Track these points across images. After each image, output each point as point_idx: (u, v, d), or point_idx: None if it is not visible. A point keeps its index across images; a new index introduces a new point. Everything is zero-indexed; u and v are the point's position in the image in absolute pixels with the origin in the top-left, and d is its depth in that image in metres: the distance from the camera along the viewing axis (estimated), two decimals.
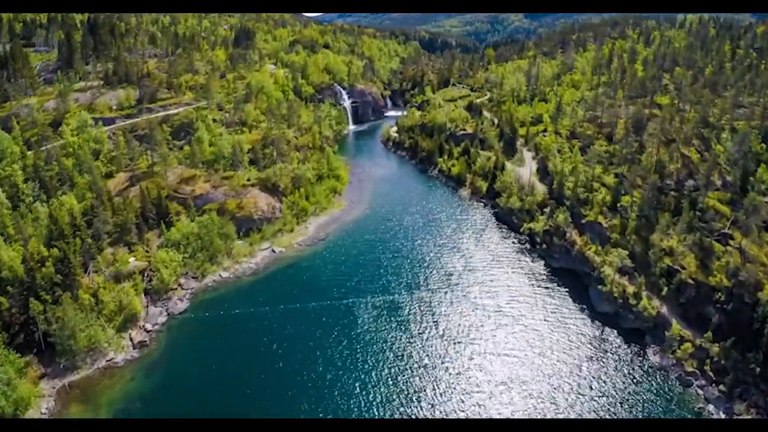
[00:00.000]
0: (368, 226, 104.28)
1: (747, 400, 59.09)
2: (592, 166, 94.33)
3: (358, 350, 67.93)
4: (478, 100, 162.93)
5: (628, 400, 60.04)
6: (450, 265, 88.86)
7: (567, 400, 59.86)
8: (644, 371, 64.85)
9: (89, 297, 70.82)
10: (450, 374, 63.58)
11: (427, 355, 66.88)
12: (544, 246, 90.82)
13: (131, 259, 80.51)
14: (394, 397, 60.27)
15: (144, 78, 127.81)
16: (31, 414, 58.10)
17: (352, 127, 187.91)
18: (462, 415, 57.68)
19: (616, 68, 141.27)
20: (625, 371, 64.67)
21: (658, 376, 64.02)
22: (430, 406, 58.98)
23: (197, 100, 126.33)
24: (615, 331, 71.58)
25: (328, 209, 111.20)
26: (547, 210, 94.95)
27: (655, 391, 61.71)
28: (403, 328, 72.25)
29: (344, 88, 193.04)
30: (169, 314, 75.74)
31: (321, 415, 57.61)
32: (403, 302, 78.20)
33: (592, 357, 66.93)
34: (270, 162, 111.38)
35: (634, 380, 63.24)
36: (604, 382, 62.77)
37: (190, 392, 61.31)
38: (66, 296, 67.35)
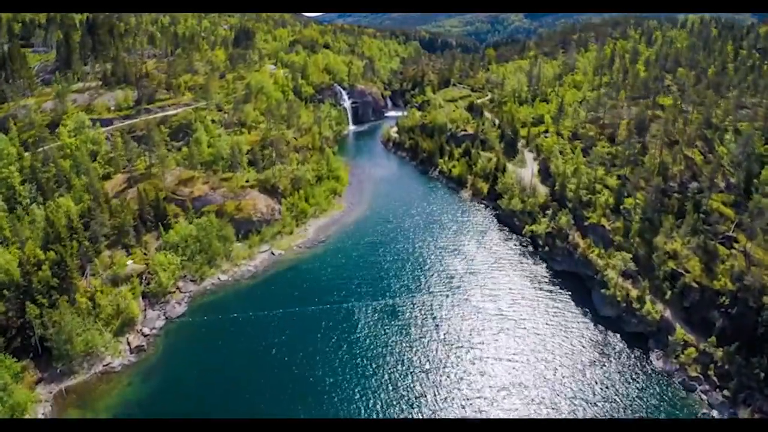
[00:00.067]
0: (368, 228, 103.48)
1: (751, 406, 58.50)
2: (595, 167, 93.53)
3: (358, 355, 67.16)
4: (479, 101, 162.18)
5: (630, 405, 59.35)
6: (451, 268, 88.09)
7: (569, 405, 59.15)
8: (647, 376, 64.13)
9: (86, 301, 70.09)
10: (451, 379, 62.80)
11: (428, 360, 66.10)
12: (546, 248, 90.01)
13: (129, 262, 79.75)
14: (395, 402, 59.52)
15: (142, 78, 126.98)
16: None
17: (352, 127, 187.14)
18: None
19: (617, 69, 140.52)
20: (628, 376, 63.94)
21: (661, 381, 63.33)
22: (430, 412, 58.23)
23: (196, 100, 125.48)
24: (618, 336, 70.82)
25: (327, 211, 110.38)
26: (549, 212, 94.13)
27: (658, 396, 61.04)
28: (404, 332, 71.49)
29: (344, 89, 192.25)
30: (167, 318, 74.96)
31: None
32: (403, 306, 77.43)
33: (594, 361, 66.19)
34: (269, 163, 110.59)
35: (637, 385, 62.48)
36: (607, 387, 62.03)
37: (188, 397, 60.54)
38: (63, 300, 66.61)
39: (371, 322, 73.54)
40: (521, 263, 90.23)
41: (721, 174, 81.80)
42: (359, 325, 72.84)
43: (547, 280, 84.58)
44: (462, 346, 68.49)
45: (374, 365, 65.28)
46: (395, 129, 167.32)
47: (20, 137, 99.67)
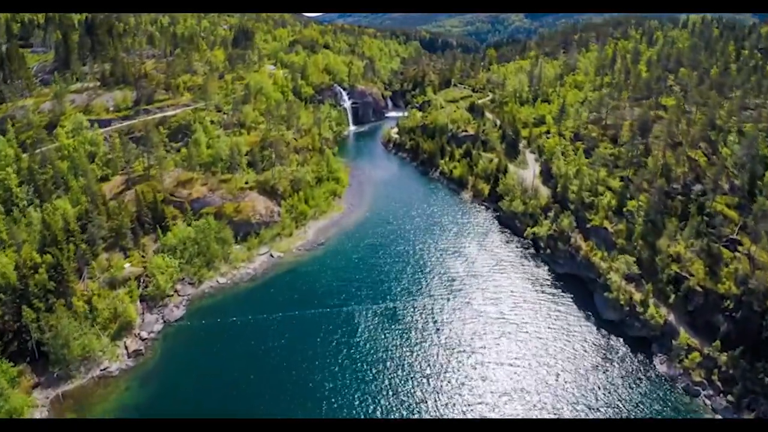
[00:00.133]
0: (368, 230, 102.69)
1: (755, 411, 58.03)
2: (597, 169, 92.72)
3: (358, 359, 66.42)
4: (480, 101, 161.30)
5: (634, 410, 58.70)
6: (452, 271, 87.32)
7: (572, 411, 58.44)
8: (651, 381, 63.45)
9: (83, 304, 69.43)
10: (452, 385, 62.03)
11: (429, 365, 65.34)
12: (548, 251, 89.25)
13: (126, 265, 79.05)
14: (395, 408, 58.77)
15: (141, 79, 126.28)
16: None
17: (352, 128, 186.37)
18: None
19: (619, 69, 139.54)
20: (631, 381, 63.24)
21: (664, 386, 62.69)
22: (431, 418, 57.39)
23: (195, 101, 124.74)
24: (621, 340, 70.11)
25: (327, 213, 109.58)
26: (551, 214, 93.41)
27: (661, 401, 60.39)
28: (405, 337, 70.72)
29: (344, 89, 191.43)
30: (165, 322, 74.21)
31: None
32: (404, 309, 76.66)
33: (597, 366, 65.45)
34: (269, 164, 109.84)
35: (641, 390, 61.79)
36: (610, 392, 61.34)
37: (186, 402, 59.85)
38: (59, 304, 66.09)
39: (371, 326, 72.80)
40: (523, 266, 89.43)
41: (725, 176, 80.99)
42: (359, 329, 72.09)
43: (549, 283, 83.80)
44: (463, 351, 67.72)
45: (374, 370, 64.53)
46: (396, 130, 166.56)
47: (18, 138, 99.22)
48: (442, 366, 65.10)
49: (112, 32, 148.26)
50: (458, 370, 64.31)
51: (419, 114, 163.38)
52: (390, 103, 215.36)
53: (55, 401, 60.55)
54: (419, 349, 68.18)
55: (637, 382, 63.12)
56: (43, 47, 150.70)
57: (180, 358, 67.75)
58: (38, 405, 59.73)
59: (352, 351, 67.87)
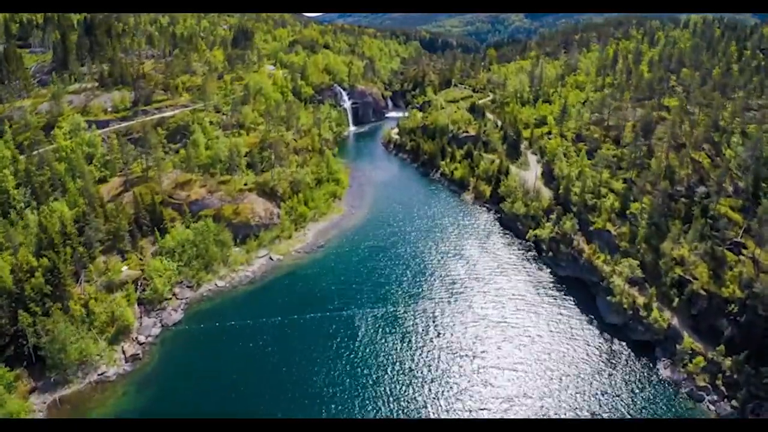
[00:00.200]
0: (369, 232, 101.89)
1: (760, 416, 57.21)
2: (600, 170, 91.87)
3: (358, 364, 65.65)
4: (480, 102, 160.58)
5: (637, 415, 57.98)
6: (453, 273, 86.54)
7: (574, 416, 57.68)
8: (654, 385, 62.74)
9: (80, 308, 68.62)
10: (454, 390, 61.25)
11: (430, 370, 64.56)
12: (551, 254, 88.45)
13: (124, 268, 78.24)
14: (396, 414, 58.03)
15: (140, 79, 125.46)
16: None
17: (352, 128, 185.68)
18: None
19: (621, 69, 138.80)
20: (635, 385, 62.53)
21: (668, 391, 61.99)
22: None
23: (194, 102, 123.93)
24: (624, 344, 69.39)
25: (327, 214, 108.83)
26: (553, 216, 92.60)
27: (665, 406, 59.75)
28: (405, 341, 69.93)
29: (344, 89, 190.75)
30: (162, 325, 73.39)
31: None
32: (404, 313, 75.87)
33: (600, 370, 64.73)
34: (268, 166, 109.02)
35: (644, 395, 61.09)
36: (613, 396, 60.63)
37: (184, 407, 59.05)
38: (56, 307, 65.32)
39: (371, 330, 72.02)
40: (525, 269, 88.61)
41: (729, 178, 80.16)
42: (359, 333, 71.33)
43: (551, 286, 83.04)
44: (465, 355, 66.96)
45: (374, 375, 63.78)
46: (396, 130, 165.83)
47: (15, 140, 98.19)
48: (443, 371, 64.33)
49: (111, 32, 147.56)
50: (460, 375, 63.54)
51: (420, 114, 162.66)
52: (390, 104, 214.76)
53: (52, 406, 59.79)
54: (420, 354, 67.41)
55: (641, 386, 62.40)
56: (41, 47, 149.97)
57: (178, 362, 66.95)
58: (35, 410, 59.09)
59: (352, 355, 67.13)
